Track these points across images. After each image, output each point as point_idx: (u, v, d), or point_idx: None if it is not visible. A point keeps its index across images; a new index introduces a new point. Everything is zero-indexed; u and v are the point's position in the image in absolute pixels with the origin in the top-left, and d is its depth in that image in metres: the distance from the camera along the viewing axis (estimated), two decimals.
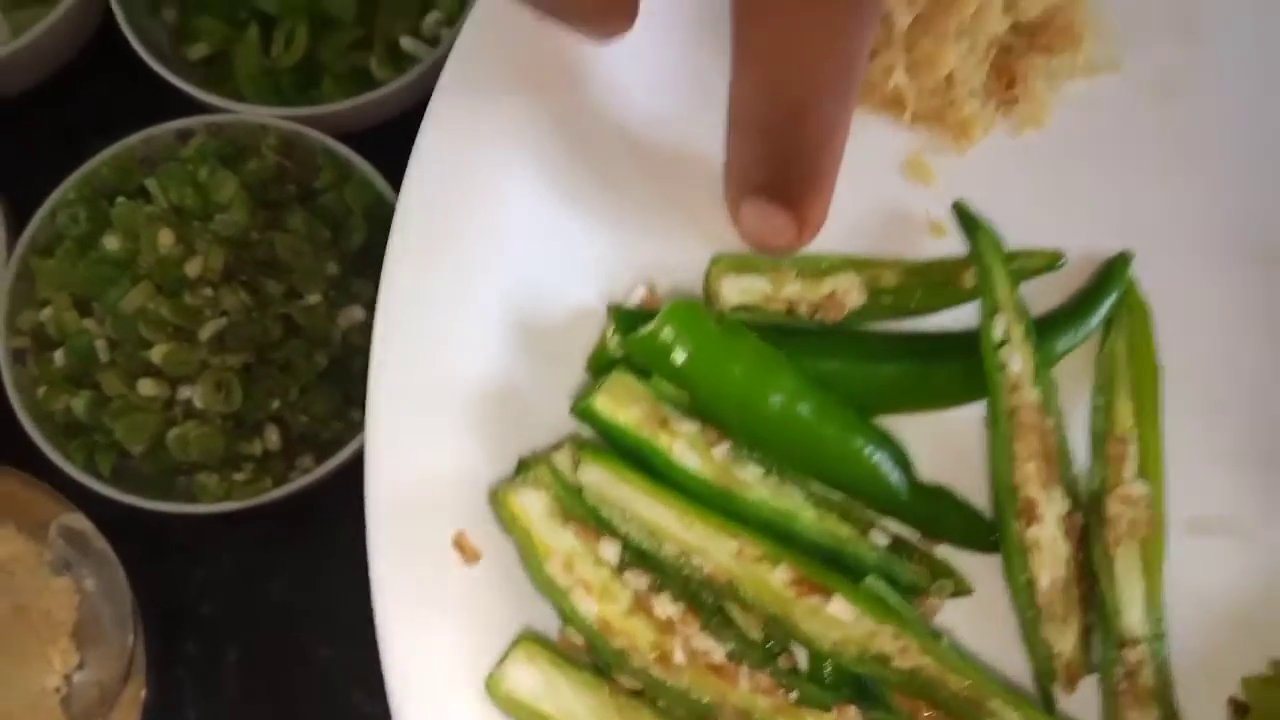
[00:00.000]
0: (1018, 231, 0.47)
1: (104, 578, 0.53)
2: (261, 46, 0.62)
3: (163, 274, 0.55)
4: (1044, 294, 0.46)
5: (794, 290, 0.45)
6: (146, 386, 0.54)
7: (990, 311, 0.44)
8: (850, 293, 0.45)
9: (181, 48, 0.63)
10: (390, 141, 0.49)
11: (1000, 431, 0.44)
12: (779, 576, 0.41)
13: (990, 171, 0.48)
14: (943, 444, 0.46)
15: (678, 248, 0.46)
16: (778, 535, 0.42)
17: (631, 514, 0.42)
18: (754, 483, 0.43)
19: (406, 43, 0.62)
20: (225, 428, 0.55)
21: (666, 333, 0.42)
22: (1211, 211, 0.48)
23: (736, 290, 0.45)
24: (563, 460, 0.42)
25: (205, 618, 0.59)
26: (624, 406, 0.42)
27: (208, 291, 0.55)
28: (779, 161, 0.37)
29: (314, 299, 0.56)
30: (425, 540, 0.41)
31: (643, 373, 0.43)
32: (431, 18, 0.63)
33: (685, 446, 0.42)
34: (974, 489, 0.45)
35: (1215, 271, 0.48)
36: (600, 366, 0.44)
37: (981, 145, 0.49)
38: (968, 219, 0.47)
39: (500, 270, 0.44)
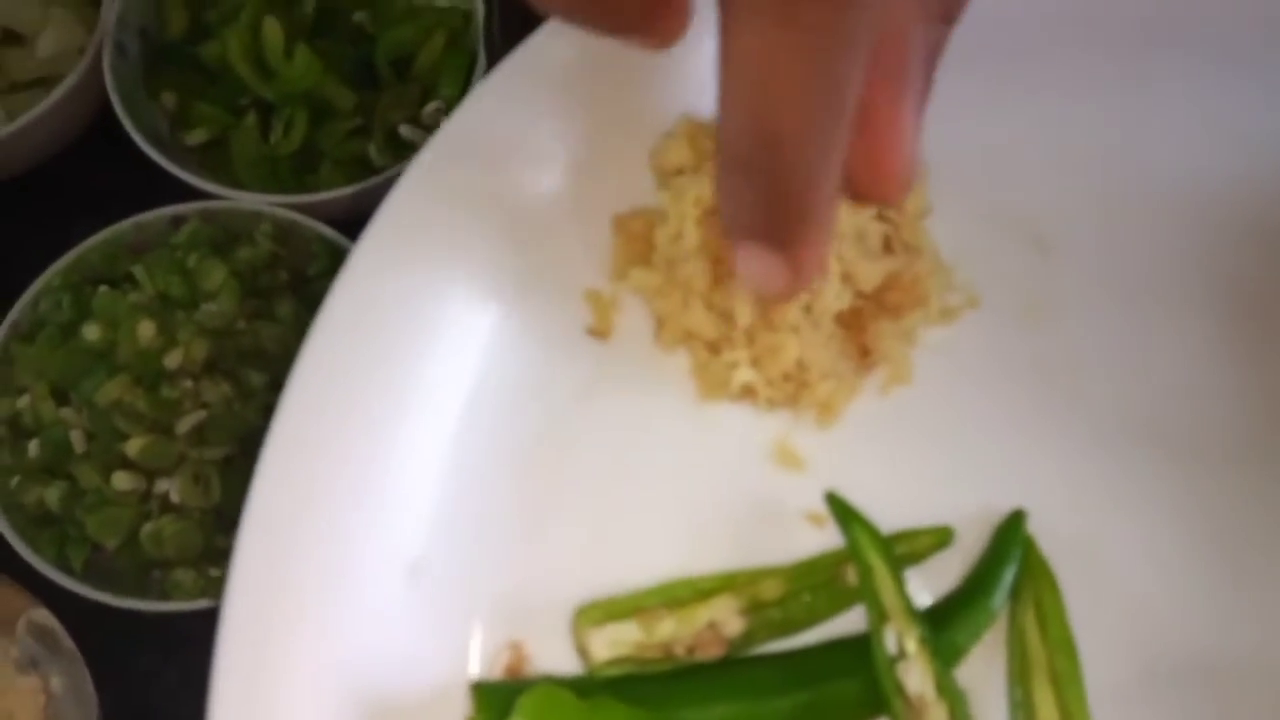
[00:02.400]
0: (901, 502, 0.43)
1: (71, 678, 0.51)
2: (260, 133, 0.62)
3: (142, 366, 0.53)
4: (940, 571, 0.43)
5: (667, 630, 0.42)
6: (122, 480, 0.53)
7: (878, 621, 0.41)
8: (729, 622, 0.42)
9: (180, 133, 0.63)
10: None
11: None
12: None
13: (863, 438, 0.44)
14: None
15: (543, 595, 0.43)
16: None
17: None
18: None
19: (406, 130, 0.62)
20: (204, 522, 0.53)
21: None
22: (1098, 439, 0.44)
23: (606, 644, 0.41)
24: None
25: (178, 719, 0.56)
26: None
27: (188, 383, 0.54)
28: (765, 202, 0.34)
29: None
30: None
31: None
32: (431, 106, 0.62)
33: None
34: None
35: (1115, 501, 0.43)
36: None
37: (850, 410, 0.45)
38: (842, 513, 0.43)
39: (341, 641, 0.41)
